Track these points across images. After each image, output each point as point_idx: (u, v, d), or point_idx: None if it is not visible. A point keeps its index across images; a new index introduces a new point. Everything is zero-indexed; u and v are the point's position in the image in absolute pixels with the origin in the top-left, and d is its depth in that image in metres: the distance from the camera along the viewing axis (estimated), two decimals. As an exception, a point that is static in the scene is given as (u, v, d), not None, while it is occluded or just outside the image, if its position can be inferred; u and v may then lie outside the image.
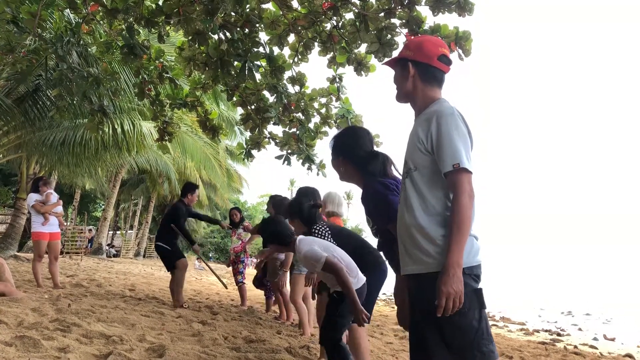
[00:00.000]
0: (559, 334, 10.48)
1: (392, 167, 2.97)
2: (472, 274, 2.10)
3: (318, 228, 3.79)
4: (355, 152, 2.98)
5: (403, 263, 2.26)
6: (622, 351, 8.14)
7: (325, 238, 3.67)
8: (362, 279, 3.29)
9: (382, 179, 2.84)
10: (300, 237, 3.35)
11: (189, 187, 8.02)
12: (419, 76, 2.29)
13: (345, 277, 3.08)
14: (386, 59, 2.58)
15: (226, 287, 9.55)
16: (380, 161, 2.94)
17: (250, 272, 27.91)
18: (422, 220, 2.14)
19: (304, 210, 3.94)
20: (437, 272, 2.05)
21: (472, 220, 2.06)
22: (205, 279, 18.20)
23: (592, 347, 8.65)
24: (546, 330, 11.12)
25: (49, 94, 10.77)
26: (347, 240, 3.91)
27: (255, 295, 11.86)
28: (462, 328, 2.03)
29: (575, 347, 8.24)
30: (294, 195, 6.51)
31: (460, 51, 5.11)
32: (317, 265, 3.15)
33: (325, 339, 3.27)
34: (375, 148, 3.07)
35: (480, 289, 2.10)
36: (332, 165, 3.12)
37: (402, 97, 2.37)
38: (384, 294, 18.77)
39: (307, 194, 4.57)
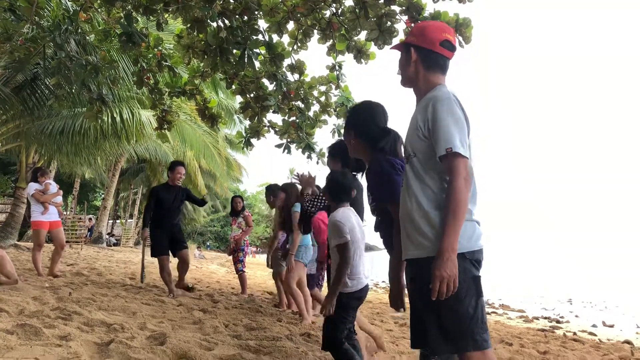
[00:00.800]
0: (558, 321, 10.52)
1: (402, 147, 2.90)
2: (473, 259, 2.11)
3: None
4: (368, 127, 2.93)
5: (405, 248, 2.28)
6: (620, 337, 8.18)
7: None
8: (362, 282, 3.20)
9: (390, 158, 2.80)
10: (344, 208, 3.27)
11: (169, 166, 7.61)
12: (421, 62, 2.29)
13: (342, 271, 3.06)
14: (393, 44, 2.53)
15: (142, 282, 8.00)
16: (392, 139, 2.89)
17: (250, 260, 27.95)
18: (422, 204, 2.16)
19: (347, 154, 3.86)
20: None
21: (467, 204, 2.06)
22: (205, 267, 18.25)
23: (591, 333, 8.69)
24: (545, 318, 11.17)
25: (47, 83, 10.74)
26: None
27: (256, 283, 11.90)
28: (457, 314, 2.04)
29: (575, 333, 8.28)
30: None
31: (460, 38, 5.09)
32: (335, 238, 3.13)
33: (327, 343, 3.20)
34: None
35: (479, 277, 2.11)
36: (344, 138, 3.08)
37: (405, 82, 2.38)
38: (383, 281, 18.82)
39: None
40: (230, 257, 8.96)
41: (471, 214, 2.14)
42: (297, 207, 6.09)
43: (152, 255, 7.25)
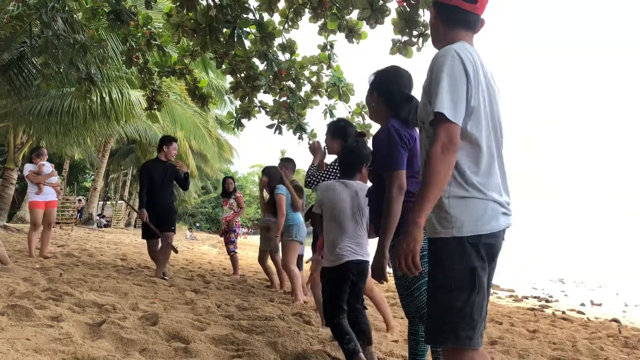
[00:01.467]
0: (547, 301, 10.65)
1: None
2: (480, 244, 1.86)
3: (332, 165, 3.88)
4: (392, 92, 2.83)
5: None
6: (608, 316, 8.30)
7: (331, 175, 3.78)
8: (343, 258, 3.12)
9: (403, 128, 2.70)
10: (335, 181, 3.36)
11: (163, 140, 7.05)
12: (440, 18, 2.10)
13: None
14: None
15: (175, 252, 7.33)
16: (414, 107, 2.78)
17: (242, 241, 27.97)
18: None
19: (350, 134, 3.84)
20: (435, 239, 1.91)
21: (443, 175, 1.79)
22: (197, 248, 18.27)
23: (579, 312, 8.81)
24: (535, 297, 11.30)
25: (34, 62, 10.56)
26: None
27: (248, 264, 11.93)
28: (442, 305, 1.85)
29: (563, 312, 8.39)
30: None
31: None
32: (316, 203, 3.26)
33: (326, 319, 3.25)
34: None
35: (475, 269, 1.84)
36: (365, 100, 2.99)
37: (434, 42, 2.18)
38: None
39: (354, 127, 4.16)
40: (222, 239, 8.97)
41: (481, 190, 1.89)
42: (280, 189, 6.10)
43: (142, 237, 7.01)
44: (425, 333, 1.97)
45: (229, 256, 8.90)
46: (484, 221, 1.87)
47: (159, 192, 6.74)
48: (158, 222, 6.70)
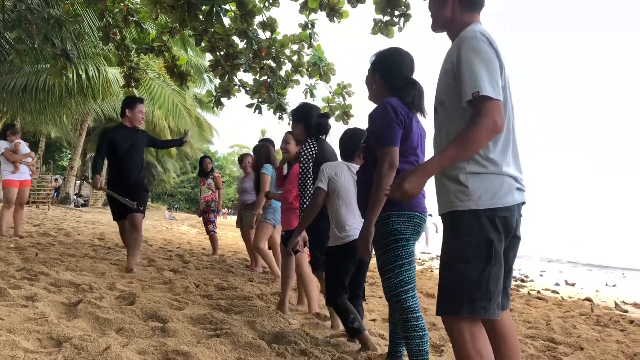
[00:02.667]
0: (522, 280, 10.84)
1: (423, 103, 2.80)
2: (496, 216, 1.91)
3: (306, 146, 3.78)
4: (393, 73, 2.79)
5: (438, 203, 2.12)
6: (581, 295, 8.48)
7: (308, 160, 3.72)
8: (351, 236, 3.18)
9: (401, 108, 2.65)
10: (341, 162, 3.41)
11: (126, 102, 5.79)
12: (460, 3, 2.09)
13: (307, 214, 3.39)
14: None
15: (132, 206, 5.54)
16: (417, 91, 2.76)
17: (222, 221, 27.91)
18: None
19: (312, 116, 3.89)
20: (452, 212, 1.96)
21: (477, 147, 1.86)
22: (176, 228, 18.17)
23: (554, 292, 8.98)
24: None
25: (7, 37, 10.29)
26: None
27: (227, 244, 11.91)
28: (458, 274, 1.90)
29: (538, 292, 8.54)
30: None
31: None
32: (316, 184, 3.35)
33: (327, 297, 3.32)
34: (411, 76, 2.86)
35: (492, 241, 1.89)
36: (365, 81, 2.93)
37: (439, 25, 2.18)
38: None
39: (318, 109, 4.16)
40: (201, 219, 8.93)
41: (498, 165, 1.94)
42: (267, 169, 6.06)
43: (113, 218, 5.96)
44: (438, 303, 2.00)
45: (208, 236, 8.87)
46: (500, 195, 1.93)
47: (125, 165, 5.56)
48: (123, 203, 5.53)
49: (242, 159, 7.62)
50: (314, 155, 3.75)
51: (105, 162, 5.69)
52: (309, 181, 3.74)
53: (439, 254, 2.04)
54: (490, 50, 1.92)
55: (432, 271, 10.50)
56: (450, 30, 2.14)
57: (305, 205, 3.70)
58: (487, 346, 1.93)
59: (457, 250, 1.93)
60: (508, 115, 2.00)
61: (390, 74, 2.79)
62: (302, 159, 3.77)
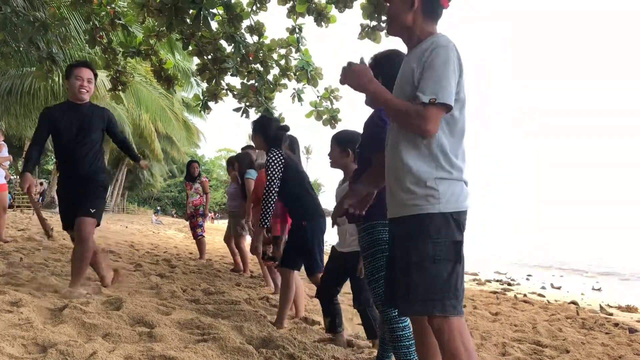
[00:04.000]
0: (509, 284, 10.92)
1: None
2: (460, 218, 2.03)
3: (274, 153, 3.85)
4: (395, 76, 2.82)
5: (388, 207, 2.20)
6: (567, 298, 8.55)
7: (276, 167, 3.80)
8: (356, 246, 3.24)
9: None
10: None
11: (66, 70, 4.29)
12: (422, 10, 2.16)
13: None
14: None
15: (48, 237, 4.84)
16: None
17: (209, 225, 27.83)
18: (410, 160, 2.06)
19: (270, 128, 4.01)
20: (420, 215, 2.01)
21: (401, 122, 2.07)
22: (162, 232, 18.06)
23: (540, 295, 9.06)
24: (497, 281, 11.57)
25: (-8, 40, 10.19)
26: (296, 177, 3.97)
27: (215, 248, 11.86)
28: (429, 275, 1.96)
29: (525, 295, 8.62)
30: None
31: None
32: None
33: (325, 297, 3.56)
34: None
35: (460, 242, 2.02)
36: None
37: (397, 29, 2.25)
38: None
39: (277, 121, 4.35)
40: (188, 223, 8.90)
41: (461, 171, 2.06)
42: (250, 174, 6.07)
43: (63, 227, 4.54)
44: (407, 305, 2.04)
45: (195, 240, 8.84)
46: (461, 199, 2.05)
47: (72, 152, 4.15)
48: (69, 203, 4.26)
49: (229, 162, 7.63)
50: (283, 163, 3.86)
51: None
52: (273, 189, 3.82)
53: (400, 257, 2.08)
54: (457, 62, 2.04)
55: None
56: (409, 36, 2.21)
57: (263, 212, 3.82)
58: (472, 343, 2.01)
59: (428, 251, 1.99)
60: (464, 121, 2.10)
61: (392, 77, 2.78)
62: (269, 167, 3.84)
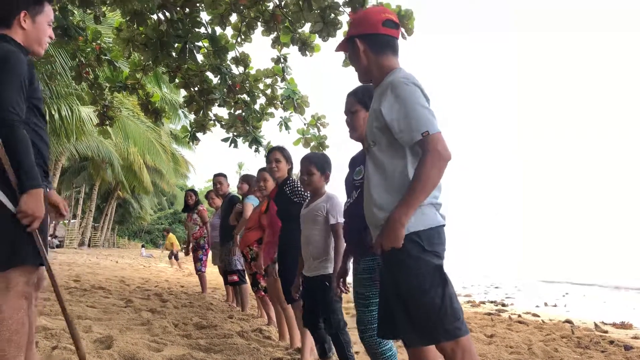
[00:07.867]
0: (503, 305, 10.88)
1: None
2: (430, 238, 2.01)
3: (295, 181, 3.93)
4: None
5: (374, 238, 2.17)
6: (562, 317, 8.53)
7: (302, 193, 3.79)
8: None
9: None
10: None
11: None
12: (369, 48, 2.17)
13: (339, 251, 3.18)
14: (337, 46, 2.40)
15: None
16: None
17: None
18: (382, 198, 2.06)
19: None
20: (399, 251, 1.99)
21: (435, 183, 1.96)
22: (153, 266, 17.89)
23: (534, 315, 9.02)
24: (492, 302, 11.53)
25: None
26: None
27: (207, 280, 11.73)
28: (425, 306, 1.95)
29: (519, 315, 8.57)
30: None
31: (403, 30, 5.12)
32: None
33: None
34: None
35: (441, 265, 2.00)
36: (347, 121, 3.00)
37: (362, 76, 2.27)
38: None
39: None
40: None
41: (437, 198, 2.05)
42: (251, 199, 5.97)
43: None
44: (414, 339, 2.03)
45: (195, 274, 8.65)
46: (428, 220, 2.03)
47: None
48: None
49: (208, 194, 7.58)
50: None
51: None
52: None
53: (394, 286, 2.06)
54: (421, 93, 2.03)
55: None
56: (372, 76, 2.22)
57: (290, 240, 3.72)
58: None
59: (413, 284, 1.98)
60: None
61: None
62: (297, 194, 3.82)
